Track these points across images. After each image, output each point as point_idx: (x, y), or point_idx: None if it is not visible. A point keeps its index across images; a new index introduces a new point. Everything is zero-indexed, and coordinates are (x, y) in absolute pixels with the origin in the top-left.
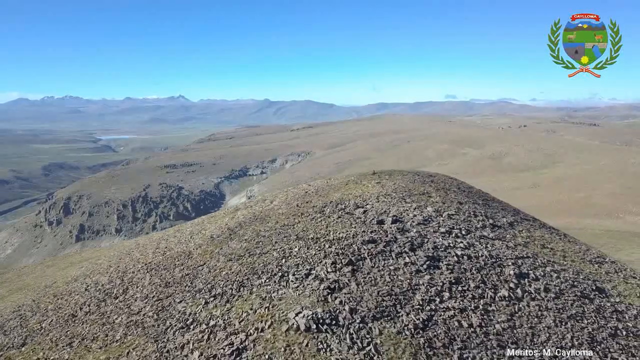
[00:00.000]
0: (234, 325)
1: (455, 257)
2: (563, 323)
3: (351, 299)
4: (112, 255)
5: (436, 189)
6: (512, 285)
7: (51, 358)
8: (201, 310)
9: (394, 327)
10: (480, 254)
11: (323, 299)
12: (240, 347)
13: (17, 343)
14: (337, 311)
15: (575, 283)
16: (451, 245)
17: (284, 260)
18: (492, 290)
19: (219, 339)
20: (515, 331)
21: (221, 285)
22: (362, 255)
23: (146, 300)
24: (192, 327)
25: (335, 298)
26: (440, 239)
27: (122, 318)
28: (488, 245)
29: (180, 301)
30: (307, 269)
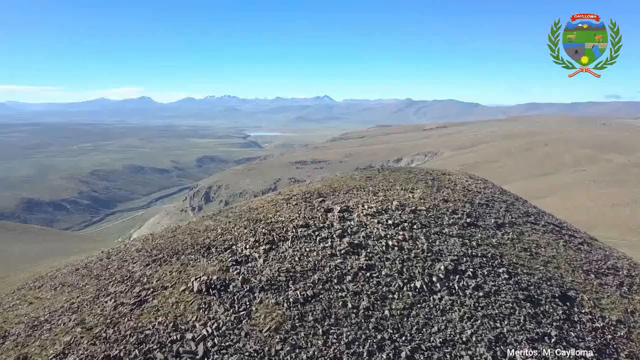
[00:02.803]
0: (151, 282)
1: (383, 247)
2: (472, 320)
3: (250, 271)
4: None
5: (430, 186)
6: (434, 278)
7: (42, 297)
8: (141, 271)
9: (276, 299)
10: (418, 247)
11: (225, 269)
12: (143, 299)
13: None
14: (231, 279)
15: (530, 287)
16: (387, 236)
17: (220, 236)
18: (405, 280)
19: (133, 292)
20: (406, 319)
21: (164, 252)
22: (286, 237)
23: (123, 260)
24: (124, 281)
25: (236, 270)
26: (379, 230)
27: (100, 271)
28: (437, 241)
29: (135, 263)
30: (228, 244)
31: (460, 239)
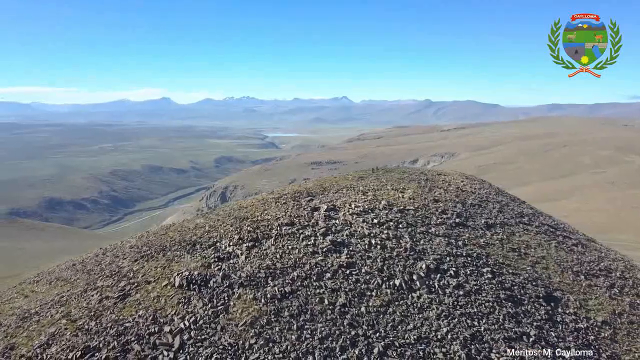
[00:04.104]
0: (137, 277)
1: (366, 245)
2: (449, 318)
3: (231, 268)
4: None
5: (422, 186)
6: (414, 277)
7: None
8: (129, 266)
9: (254, 294)
10: (401, 246)
11: (207, 265)
12: (126, 293)
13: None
14: (212, 275)
15: (514, 287)
16: (371, 234)
17: (206, 233)
18: (385, 278)
19: (119, 286)
20: (382, 316)
21: (152, 249)
22: (270, 235)
23: (115, 256)
24: (112, 276)
25: (218, 266)
26: (364, 229)
27: (92, 267)
28: (422, 240)
29: (125, 258)
30: (213, 241)
31: (446, 239)
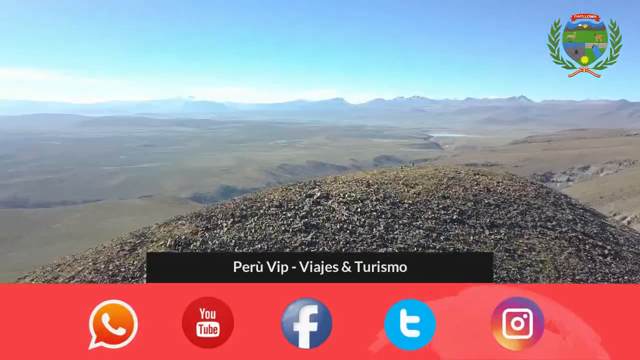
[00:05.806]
0: (149, 237)
1: (337, 229)
2: None
3: (210, 236)
4: None
5: (439, 184)
6: None
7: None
8: (150, 228)
9: None
10: (371, 233)
11: (195, 232)
12: (135, 246)
13: None
14: (194, 240)
15: None
16: (347, 220)
17: (215, 209)
18: None
19: (132, 240)
20: None
21: (174, 217)
22: (257, 214)
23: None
24: (132, 234)
25: (202, 234)
26: (343, 214)
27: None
28: (397, 231)
29: (154, 224)
30: (211, 215)
31: (427, 232)
